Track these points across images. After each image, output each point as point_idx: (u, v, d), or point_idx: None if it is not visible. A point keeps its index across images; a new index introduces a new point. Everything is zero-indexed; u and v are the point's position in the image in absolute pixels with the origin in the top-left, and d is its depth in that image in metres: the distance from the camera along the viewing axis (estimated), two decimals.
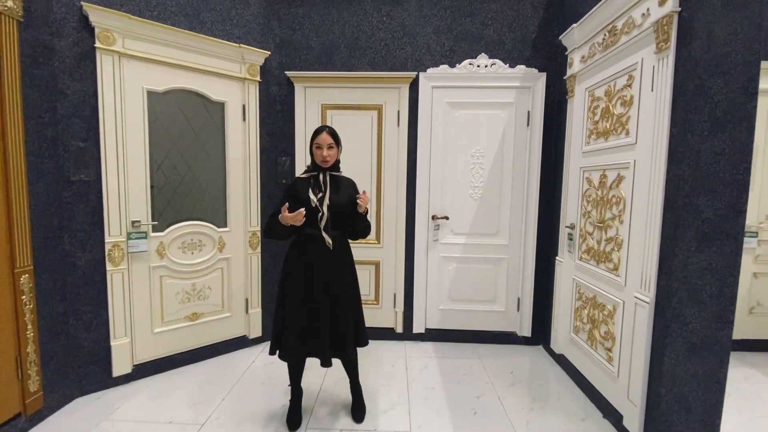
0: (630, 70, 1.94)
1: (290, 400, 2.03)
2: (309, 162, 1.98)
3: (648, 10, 1.78)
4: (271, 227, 1.89)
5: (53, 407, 2.06)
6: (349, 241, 2.01)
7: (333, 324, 1.87)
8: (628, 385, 1.88)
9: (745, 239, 2.92)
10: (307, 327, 1.85)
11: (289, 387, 2.04)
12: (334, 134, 1.90)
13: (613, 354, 2.02)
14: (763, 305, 2.96)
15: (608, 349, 2.08)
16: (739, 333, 3.01)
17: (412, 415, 2.08)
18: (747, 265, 2.91)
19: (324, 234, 1.84)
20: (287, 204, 1.78)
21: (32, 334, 1.91)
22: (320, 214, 1.84)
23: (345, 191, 1.95)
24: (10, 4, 1.76)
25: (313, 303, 1.85)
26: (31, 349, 1.91)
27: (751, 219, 2.86)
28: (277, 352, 1.92)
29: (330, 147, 1.88)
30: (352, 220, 1.93)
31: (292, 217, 1.73)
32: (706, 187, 1.58)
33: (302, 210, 1.74)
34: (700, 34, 1.56)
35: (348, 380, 2.10)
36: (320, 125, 1.94)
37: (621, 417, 1.92)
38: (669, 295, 1.68)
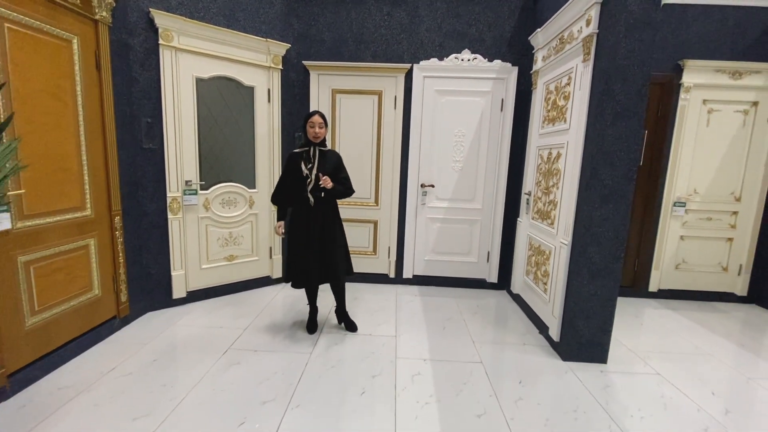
0: (569, 72, 2.55)
1: (309, 314, 2.76)
2: (303, 140, 2.52)
3: (581, 28, 2.37)
4: (277, 201, 2.57)
5: (134, 316, 2.80)
6: (340, 201, 2.66)
7: (326, 258, 2.51)
8: (553, 305, 2.59)
9: (675, 208, 3.65)
10: (310, 262, 2.48)
11: (307, 306, 2.77)
12: (323, 117, 2.44)
13: (548, 286, 2.73)
14: (688, 263, 3.69)
15: (545, 283, 2.78)
16: (667, 284, 3.78)
17: (398, 328, 2.82)
18: (676, 229, 3.64)
19: (309, 195, 2.43)
20: (281, 228, 2.56)
21: (122, 260, 2.63)
22: (308, 180, 2.42)
23: (330, 162, 2.50)
24: (104, 14, 2.37)
25: (312, 244, 2.47)
26: (122, 271, 2.64)
27: (681, 191, 3.56)
28: (291, 282, 2.58)
29: (321, 126, 2.41)
30: (334, 185, 2.49)
31: (277, 232, 2.58)
32: (607, 161, 2.22)
33: (281, 228, 2.56)
34: (608, 51, 2.16)
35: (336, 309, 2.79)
36: (312, 110, 2.43)
37: (548, 328, 2.65)
38: (578, 239, 2.35)
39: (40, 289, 2.07)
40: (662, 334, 2.91)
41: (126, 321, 2.72)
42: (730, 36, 3.29)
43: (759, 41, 3.27)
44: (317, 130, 2.40)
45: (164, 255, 2.95)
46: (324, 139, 2.50)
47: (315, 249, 2.47)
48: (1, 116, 1.82)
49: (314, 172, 2.42)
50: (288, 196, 2.53)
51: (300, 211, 2.48)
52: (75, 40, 2.22)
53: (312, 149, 2.46)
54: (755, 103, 3.34)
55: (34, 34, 1.99)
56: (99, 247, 2.45)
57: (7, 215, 1.85)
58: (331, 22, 3.43)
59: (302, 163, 2.43)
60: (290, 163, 2.49)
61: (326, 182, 2.41)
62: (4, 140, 1.74)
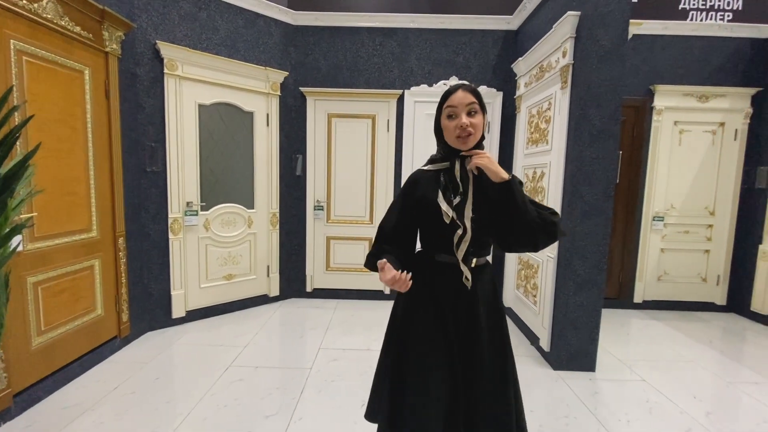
0: (549, 98, 2.75)
1: None
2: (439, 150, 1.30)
3: (558, 59, 2.59)
4: (378, 256, 1.21)
5: (134, 336, 2.84)
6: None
7: (473, 398, 1.20)
8: (543, 317, 2.71)
9: (654, 222, 3.84)
10: (439, 397, 1.18)
11: None
12: (475, 91, 1.18)
13: (537, 298, 2.85)
14: (669, 274, 3.86)
15: (534, 295, 2.91)
16: (650, 295, 3.93)
17: None
18: (656, 242, 3.81)
19: (462, 265, 1.19)
20: (386, 261, 1.14)
21: (124, 280, 2.69)
22: (459, 232, 1.17)
23: (492, 188, 1.16)
24: (114, 46, 2.52)
25: (450, 362, 1.20)
26: (124, 291, 2.69)
27: (659, 207, 3.75)
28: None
29: (473, 111, 1.16)
30: (506, 223, 1.16)
31: (395, 281, 1.09)
32: (587, 180, 2.39)
33: (408, 277, 1.10)
34: (583, 80, 2.36)
35: None
36: (453, 85, 1.21)
37: (538, 339, 2.76)
38: (564, 252, 2.50)
39: (46, 309, 2.12)
40: (647, 343, 3.04)
41: (127, 341, 2.75)
42: (696, 63, 3.57)
43: (722, 68, 3.55)
44: (464, 119, 1.15)
45: (164, 275, 3.01)
46: (480, 143, 1.22)
47: (452, 372, 1.20)
48: (18, 142, 1.92)
49: (468, 213, 1.18)
50: (405, 248, 1.27)
51: (431, 292, 1.24)
52: (87, 71, 2.35)
53: (458, 164, 1.22)
54: (722, 124, 3.60)
55: (50, 66, 2.11)
56: (103, 268, 2.51)
57: (19, 238, 1.93)
58: (326, 51, 3.63)
59: (440, 194, 1.20)
60: (413, 194, 1.26)
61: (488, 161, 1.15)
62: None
